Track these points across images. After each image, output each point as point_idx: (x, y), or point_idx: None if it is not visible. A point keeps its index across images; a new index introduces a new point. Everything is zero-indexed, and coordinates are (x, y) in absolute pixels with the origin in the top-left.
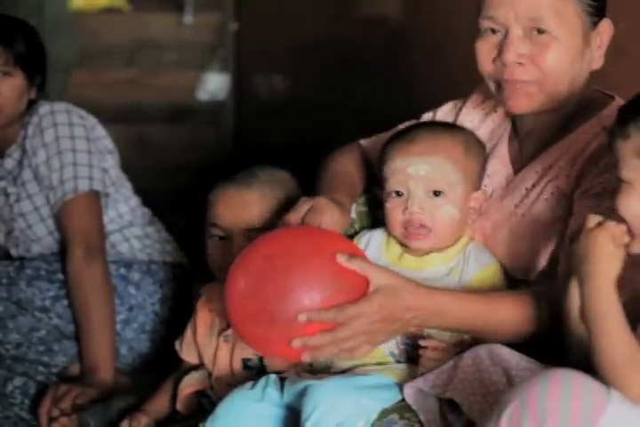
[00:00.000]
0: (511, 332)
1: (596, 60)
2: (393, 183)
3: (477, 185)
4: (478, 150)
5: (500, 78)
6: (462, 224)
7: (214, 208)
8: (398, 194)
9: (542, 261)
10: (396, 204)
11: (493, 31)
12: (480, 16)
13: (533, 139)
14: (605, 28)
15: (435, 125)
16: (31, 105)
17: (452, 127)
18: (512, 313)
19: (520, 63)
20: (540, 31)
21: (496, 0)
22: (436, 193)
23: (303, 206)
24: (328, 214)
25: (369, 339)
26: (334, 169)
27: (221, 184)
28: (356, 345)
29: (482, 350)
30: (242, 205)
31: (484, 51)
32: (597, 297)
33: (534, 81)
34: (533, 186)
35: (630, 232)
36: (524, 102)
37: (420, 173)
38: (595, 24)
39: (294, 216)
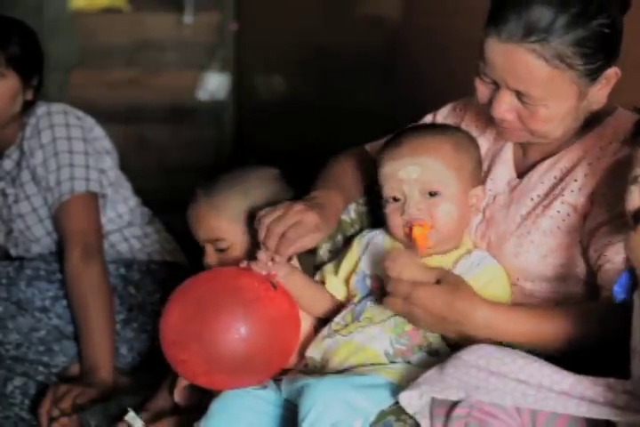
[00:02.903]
0: (560, 346)
1: (598, 101)
2: (388, 189)
3: (475, 181)
4: (470, 147)
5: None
6: (464, 222)
7: None
8: (395, 199)
9: (547, 273)
10: (393, 209)
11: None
12: (479, 58)
13: (538, 147)
14: (610, 74)
15: (420, 127)
16: (29, 106)
17: (437, 127)
18: (564, 329)
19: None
20: (528, 101)
21: (490, 61)
22: (432, 193)
23: (288, 218)
24: (310, 229)
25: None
26: (333, 170)
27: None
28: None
29: (483, 350)
30: (196, 218)
31: (480, 90)
32: None
33: (523, 130)
34: (541, 197)
35: None
36: (516, 139)
37: (411, 175)
38: (595, 80)
39: (278, 227)
